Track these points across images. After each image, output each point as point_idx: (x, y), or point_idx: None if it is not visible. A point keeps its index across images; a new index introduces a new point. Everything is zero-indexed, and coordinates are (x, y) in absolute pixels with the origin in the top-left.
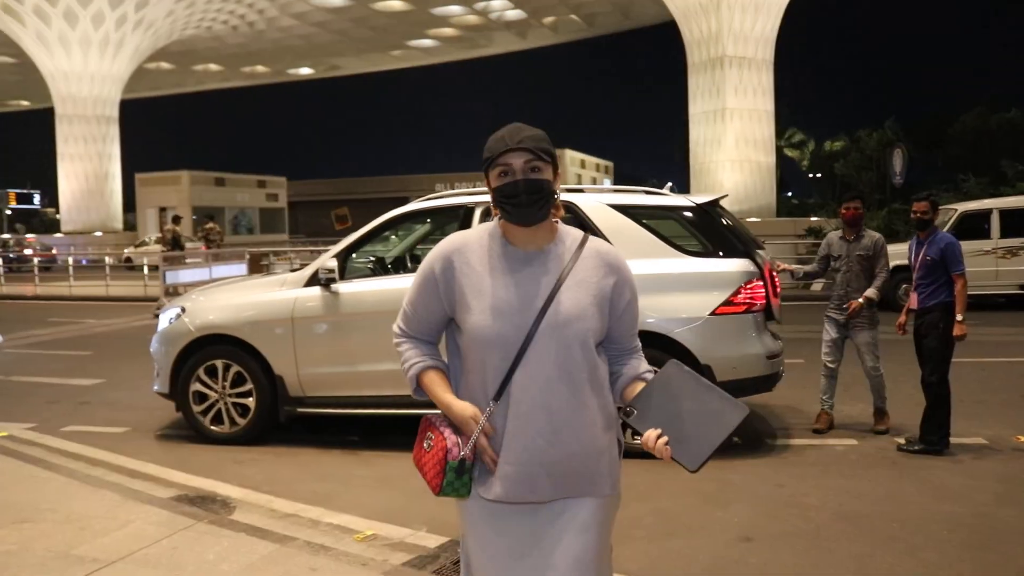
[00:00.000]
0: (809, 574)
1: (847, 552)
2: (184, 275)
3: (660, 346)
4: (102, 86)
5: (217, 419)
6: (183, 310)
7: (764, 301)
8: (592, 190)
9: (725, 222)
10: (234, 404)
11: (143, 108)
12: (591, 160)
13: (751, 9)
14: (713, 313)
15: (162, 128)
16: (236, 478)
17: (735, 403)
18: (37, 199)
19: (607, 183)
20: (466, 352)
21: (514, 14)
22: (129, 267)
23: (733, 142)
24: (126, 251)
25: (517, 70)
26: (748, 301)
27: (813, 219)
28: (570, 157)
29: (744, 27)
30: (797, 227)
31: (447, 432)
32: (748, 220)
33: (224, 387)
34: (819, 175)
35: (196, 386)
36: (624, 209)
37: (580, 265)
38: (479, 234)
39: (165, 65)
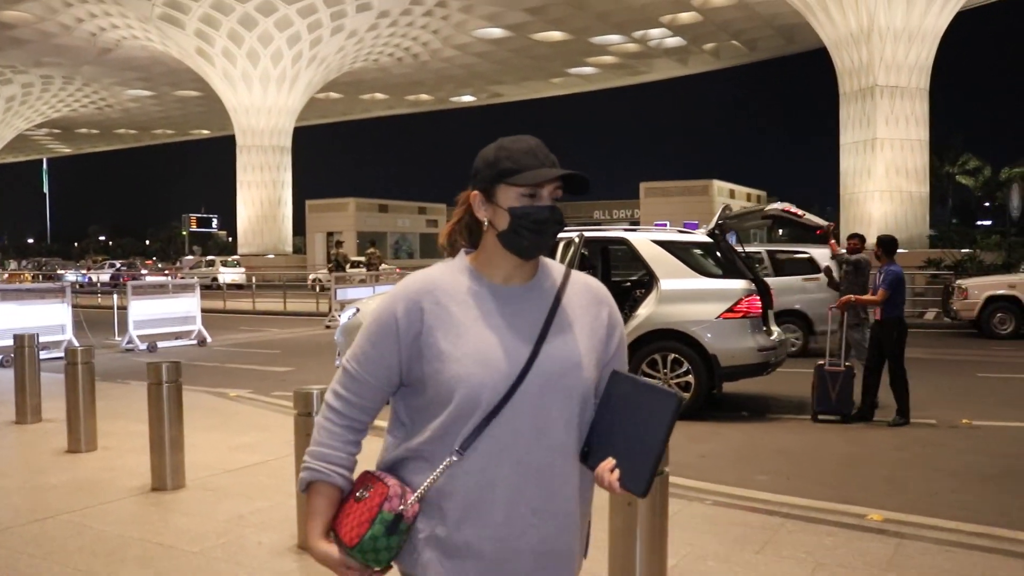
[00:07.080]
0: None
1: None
2: (351, 292)
3: (681, 340)
4: (278, 118)
5: None
6: (358, 310)
7: (760, 310)
8: (641, 230)
9: (738, 250)
10: None
11: (311, 135)
12: (741, 190)
13: (904, 38)
14: (719, 317)
15: (329, 154)
16: None
17: (668, 393)
18: (215, 223)
19: None
20: (429, 414)
21: (674, 41)
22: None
23: (883, 172)
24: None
25: (677, 95)
26: (745, 310)
27: (932, 251)
28: (717, 187)
29: (897, 56)
30: (945, 259)
31: (392, 480)
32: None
33: None
34: (991, 203)
35: None
36: (661, 243)
37: (570, 299)
38: (448, 271)
39: (334, 95)
